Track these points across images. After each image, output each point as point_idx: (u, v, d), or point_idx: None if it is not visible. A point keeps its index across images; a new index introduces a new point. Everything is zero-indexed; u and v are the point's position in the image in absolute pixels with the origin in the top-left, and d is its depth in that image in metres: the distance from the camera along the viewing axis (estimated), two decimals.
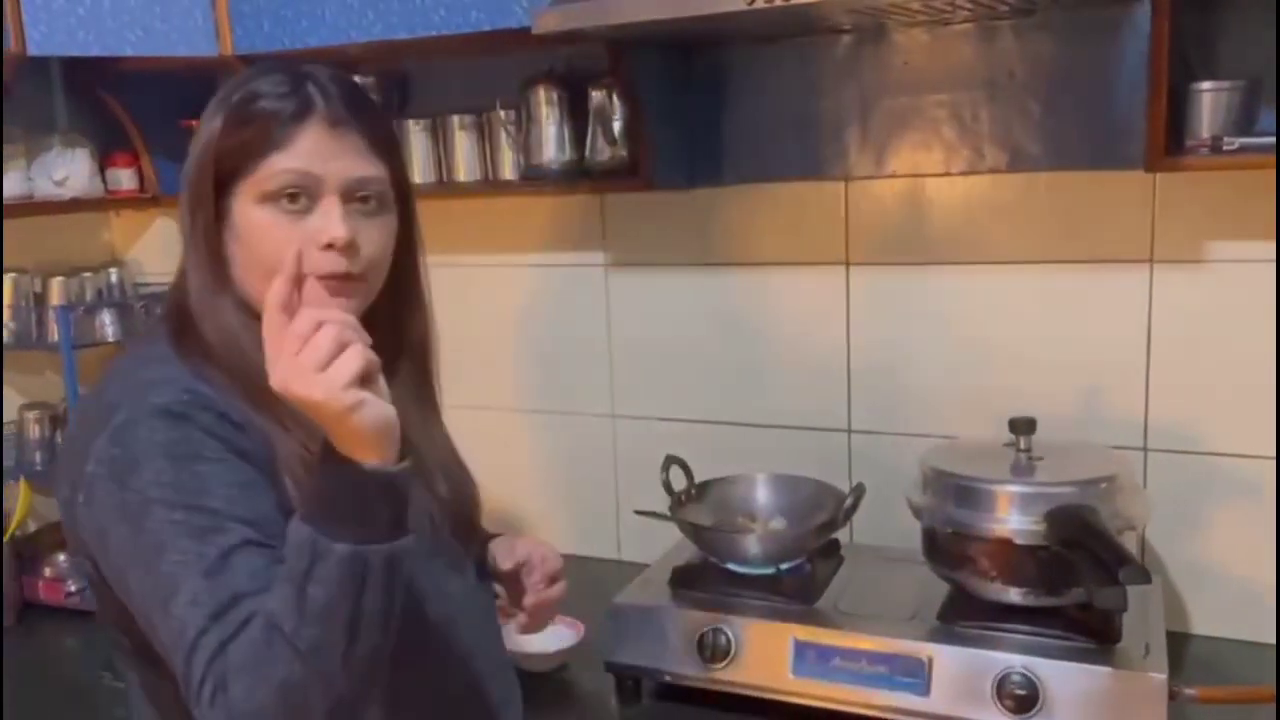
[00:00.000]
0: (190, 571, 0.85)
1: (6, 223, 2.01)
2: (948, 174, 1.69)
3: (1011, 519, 1.35)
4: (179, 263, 1.03)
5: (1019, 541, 1.34)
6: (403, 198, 1.04)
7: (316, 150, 0.96)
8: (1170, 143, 1.42)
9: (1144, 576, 1.18)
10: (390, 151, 1.02)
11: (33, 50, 1.75)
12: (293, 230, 0.95)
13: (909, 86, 1.68)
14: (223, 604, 0.84)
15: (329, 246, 0.95)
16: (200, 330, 0.98)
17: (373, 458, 0.83)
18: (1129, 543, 1.33)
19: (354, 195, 0.98)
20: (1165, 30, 1.36)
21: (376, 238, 1.00)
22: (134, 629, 0.94)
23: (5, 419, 2.11)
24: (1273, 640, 1.55)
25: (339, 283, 0.97)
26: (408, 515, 0.86)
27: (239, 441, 0.92)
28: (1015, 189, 1.65)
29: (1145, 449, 1.63)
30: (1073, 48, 1.58)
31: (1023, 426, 1.44)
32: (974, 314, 1.71)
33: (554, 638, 1.67)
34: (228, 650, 0.83)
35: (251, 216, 0.96)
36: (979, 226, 1.69)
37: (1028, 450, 1.44)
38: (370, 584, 0.83)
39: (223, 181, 0.97)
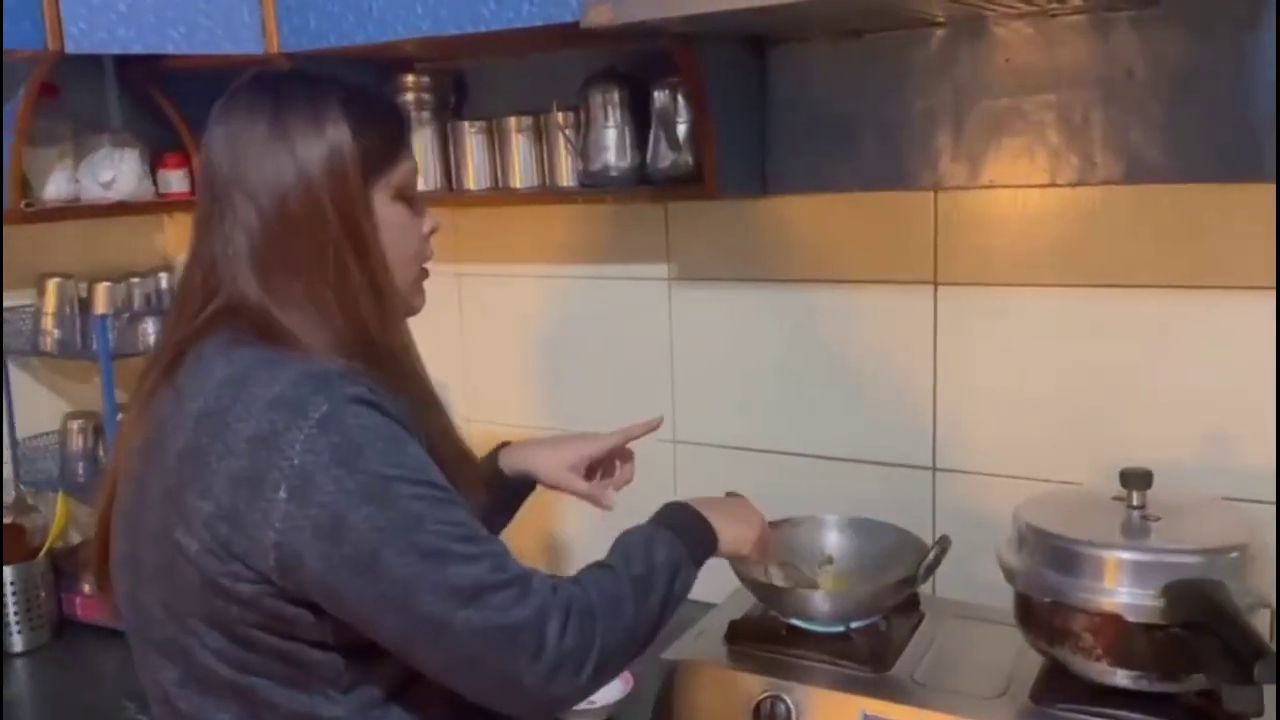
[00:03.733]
0: (452, 540, 0.92)
1: (51, 227, 1.96)
2: (1053, 185, 1.51)
3: (1122, 591, 1.16)
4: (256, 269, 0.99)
5: (1130, 618, 1.16)
6: None
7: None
8: None
9: None
10: None
11: (70, 48, 1.66)
12: (418, 224, 1.08)
13: (1010, 86, 1.51)
14: (519, 567, 0.96)
15: (432, 232, 1.11)
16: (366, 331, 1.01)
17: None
18: (1260, 623, 1.14)
19: None
20: None
21: None
22: (292, 636, 0.93)
23: (48, 428, 2.06)
24: None
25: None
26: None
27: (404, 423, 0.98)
28: (1132, 203, 1.47)
29: (1278, 504, 1.42)
30: (1202, 43, 1.38)
31: (1137, 480, 1.25)
32: (1080, 343, 1.53)
33: (601, 689, 1.53)
34: (578, 590, 0.99)
35: (391, 212, 1.04)
36: (1089, 244, 1.50)
37: (1142, 507, 1.25)
38: (685, 590, 1.11)
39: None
